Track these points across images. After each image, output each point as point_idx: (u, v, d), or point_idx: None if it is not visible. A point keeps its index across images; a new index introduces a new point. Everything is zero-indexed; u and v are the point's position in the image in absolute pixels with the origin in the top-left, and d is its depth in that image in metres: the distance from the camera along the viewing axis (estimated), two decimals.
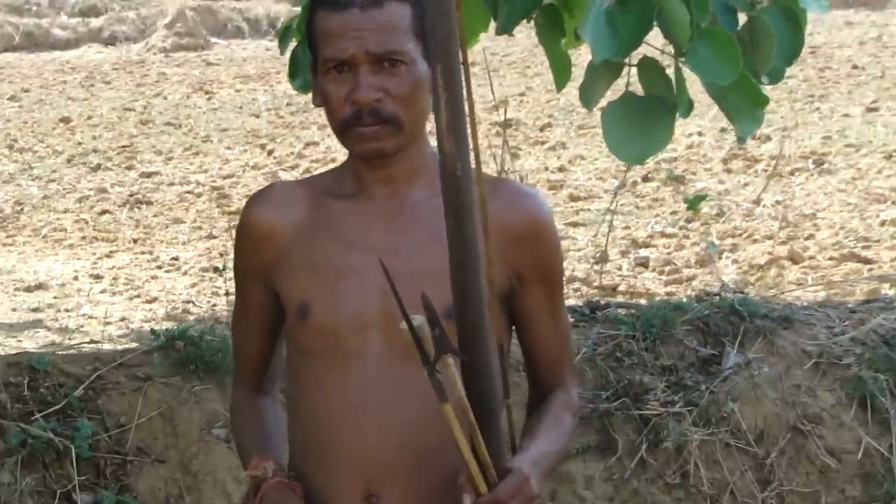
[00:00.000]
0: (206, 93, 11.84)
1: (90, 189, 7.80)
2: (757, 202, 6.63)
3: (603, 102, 2.41)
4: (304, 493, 1.52)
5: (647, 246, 5.85)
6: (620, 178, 6.70)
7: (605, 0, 2.30)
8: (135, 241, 6.59)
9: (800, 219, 6.39)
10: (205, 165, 8.47)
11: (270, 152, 8.56)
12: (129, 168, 8.54)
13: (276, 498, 1.51)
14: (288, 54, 2.85)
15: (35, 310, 5.21)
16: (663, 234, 6.12)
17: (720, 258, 5.60)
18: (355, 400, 1.51)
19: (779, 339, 3.42)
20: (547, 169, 7.55)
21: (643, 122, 2.36)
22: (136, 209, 7.24)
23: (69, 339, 4.46)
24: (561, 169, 7.49)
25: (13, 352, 3.48)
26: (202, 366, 3.02)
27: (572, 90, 2.53)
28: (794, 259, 5.54)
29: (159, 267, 5.97)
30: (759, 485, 3.12)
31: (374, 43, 1.48)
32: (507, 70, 11.62)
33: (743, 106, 2.41)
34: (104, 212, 7.22)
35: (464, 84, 1.34)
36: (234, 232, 1.67)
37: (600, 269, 5.41)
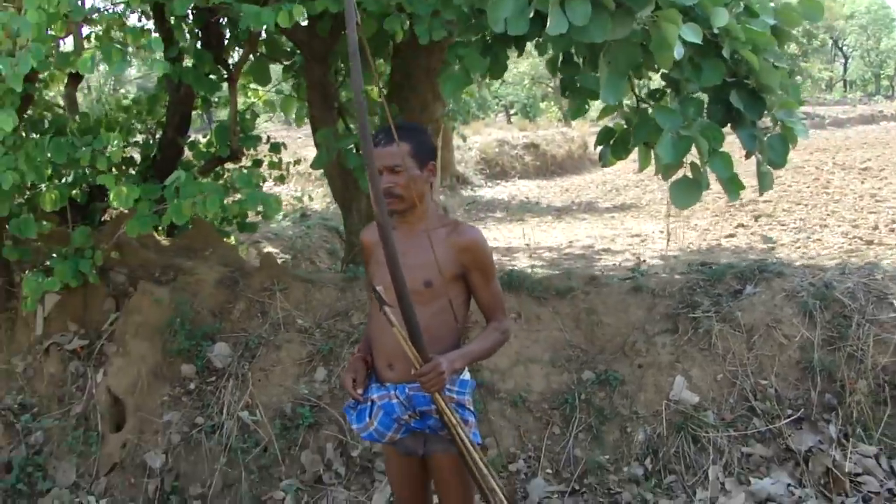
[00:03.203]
0: None
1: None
2: None
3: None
4: (370, 364, 3.04)
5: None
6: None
7: (670, 134, 4.08)
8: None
9: None
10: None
11: None
12: None
13: (352, 363, 3.04)
14: None
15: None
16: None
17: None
18: (385, 323, 2.75)
19: (773, 282, 5.15)
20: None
21: (688, 190, 4.15)
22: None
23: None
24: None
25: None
26: None
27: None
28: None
29: None
30: (747, 347, 4.83)
31: (387, 161, 2.85)
32: None
33: (732, 188, 4.11)
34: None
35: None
36: None
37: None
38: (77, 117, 5.89)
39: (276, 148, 6.83)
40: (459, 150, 23.10)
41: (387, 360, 2.97)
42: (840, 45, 58.05)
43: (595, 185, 20.78)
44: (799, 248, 10.79)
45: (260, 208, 4.75)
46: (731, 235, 12.33)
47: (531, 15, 4.02)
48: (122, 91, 14.04)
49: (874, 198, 14.24)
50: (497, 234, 14.61)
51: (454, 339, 2.95)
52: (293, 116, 7.82)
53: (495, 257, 10.53)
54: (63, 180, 5.29)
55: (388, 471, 3.34)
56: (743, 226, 12.97)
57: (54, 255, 5.13)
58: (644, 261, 8.97)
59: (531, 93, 37.71)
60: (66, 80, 6.22)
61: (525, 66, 32.87)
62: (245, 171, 5.92)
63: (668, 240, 10.46)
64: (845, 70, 60.12)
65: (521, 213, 17.49)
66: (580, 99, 4.76)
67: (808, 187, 16.11)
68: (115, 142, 4.48)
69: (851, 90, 56.75)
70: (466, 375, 3.03)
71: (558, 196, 19.68)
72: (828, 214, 12.83)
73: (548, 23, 3.82)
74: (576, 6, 3.85)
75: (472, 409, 3.03)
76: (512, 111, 39.27)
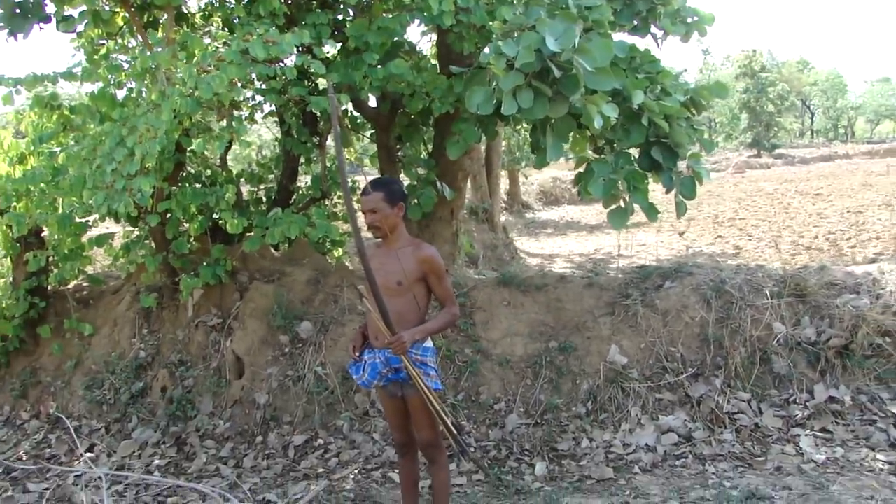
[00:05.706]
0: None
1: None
2: None
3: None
4: (366, 336, 3.19)
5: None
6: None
7: (601, 176, 4.43)
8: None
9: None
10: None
11: None
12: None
13: (355, 335, 3.23)
14: None
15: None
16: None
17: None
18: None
19: (685, 279, 5.17)
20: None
21: (620, 215, 4.36)
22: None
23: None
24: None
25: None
26: None
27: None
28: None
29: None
30: (663, 324, 4.86)
31: (368, 206, 3.02)
32: None
33: (651, 213, 4.30)
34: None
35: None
36: None
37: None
38: (223, 172, 6.28)
39: (353, 191, 7.08)
40: (524, 184, 23.59)
41: (373, 334, 3.16)
42: (807, 104, 56.43)
43: None
44: (758, 252, 10.87)
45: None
46: (711, 244, 12.43)
47: (494, 101, 4.21)
48: (266, 152, 14.73)
49: (820, 216, 14.40)
50: (545, 244, 15.02)
51: (418, 320, 3.11)
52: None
53: (539, 260, 10.82)
54: (205, 215, 5.64)
55: (383, 407, 3.54)
56: (721, 236, 13.15)
57: (202, 263, 5.50)
58: (598, 266, 9.14)
59: None
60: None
61: None
62: (321, 207, 6.20)
63: (619, 253, 10.57)
64: (812, 122, 58.35)
65: (566, 230, 17.79)
66: (542, 155, 4.87)
67: (773, 208, 16.57)
68: (232, 191, 4.82)
69: (816, 137, 55.38)
70: (429, 343, 3.16)
71: (594, 217, 19.63)
72: (784, 228, 13.15)
73: (502, 106, 4.00)
74: (522, 94, 4.02)
75: (433, 366, 3.15)
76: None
